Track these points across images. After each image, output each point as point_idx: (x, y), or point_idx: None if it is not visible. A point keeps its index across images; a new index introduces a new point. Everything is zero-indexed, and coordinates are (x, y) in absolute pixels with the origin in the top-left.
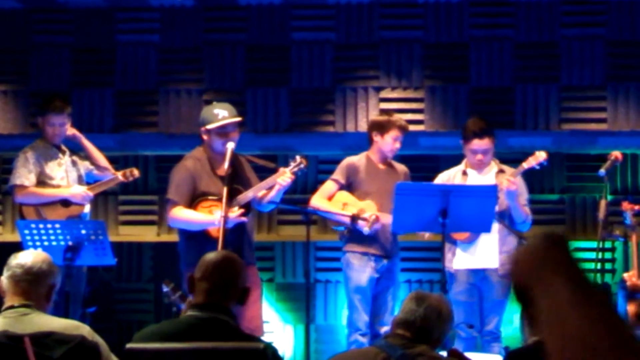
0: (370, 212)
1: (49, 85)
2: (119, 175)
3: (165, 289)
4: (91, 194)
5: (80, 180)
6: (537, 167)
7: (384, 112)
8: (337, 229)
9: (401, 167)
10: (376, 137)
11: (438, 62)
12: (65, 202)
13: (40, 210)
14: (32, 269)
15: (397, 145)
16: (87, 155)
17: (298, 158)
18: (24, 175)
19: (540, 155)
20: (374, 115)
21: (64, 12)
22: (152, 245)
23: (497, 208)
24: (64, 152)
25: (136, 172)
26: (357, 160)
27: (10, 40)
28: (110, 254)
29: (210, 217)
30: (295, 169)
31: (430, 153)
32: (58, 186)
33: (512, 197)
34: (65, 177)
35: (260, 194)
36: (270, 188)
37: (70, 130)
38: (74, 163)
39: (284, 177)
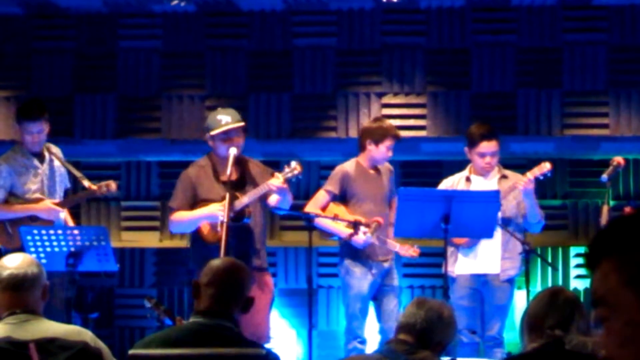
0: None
1: (50, 91)
2: (94, 188)
3: (147, 305)
4: (59, 209)
5: (61, 189)
6: (541, 178)
7: (376, 119)
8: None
9: (385, 167)
10: (370, 146)
11: (440, 68)
12: (34, 217)
13: (7, 225)
14: (27, 276)
15: (390, 153)
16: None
17: (293, 164)
18: None
19: (545, 167)
20: (366, 122)
21: (65, 18)
22: (154, 251)
23: (500, 214)
24: (42, 160)
25: (113, 186)
26: (349, 167)
27: (11, 45)
28: (113, 260)
29: (206, 209)
30: (289, 175)
31: (432, 159)
32: (32, 200)
33: (530, 195)
34: (42, 189)
35: (272, 199)
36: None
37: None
38: (57, 170)
39: (274, 181)
